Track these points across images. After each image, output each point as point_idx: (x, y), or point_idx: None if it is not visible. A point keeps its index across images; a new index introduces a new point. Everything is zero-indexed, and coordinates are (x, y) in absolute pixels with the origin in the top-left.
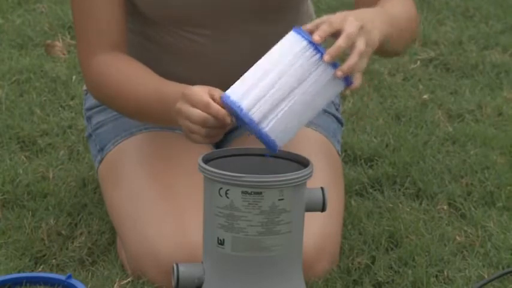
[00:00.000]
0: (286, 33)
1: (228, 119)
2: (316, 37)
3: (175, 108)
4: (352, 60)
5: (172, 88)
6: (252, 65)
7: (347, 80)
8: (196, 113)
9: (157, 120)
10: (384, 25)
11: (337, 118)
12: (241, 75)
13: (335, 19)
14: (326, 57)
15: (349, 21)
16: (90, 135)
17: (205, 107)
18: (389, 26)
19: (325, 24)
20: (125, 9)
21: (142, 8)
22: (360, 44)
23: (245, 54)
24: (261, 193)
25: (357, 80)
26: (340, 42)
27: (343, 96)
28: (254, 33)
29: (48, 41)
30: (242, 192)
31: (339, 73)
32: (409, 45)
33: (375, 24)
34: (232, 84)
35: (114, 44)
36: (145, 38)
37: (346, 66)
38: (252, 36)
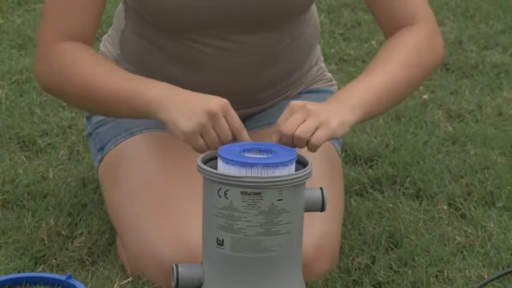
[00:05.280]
0: (289, 38)
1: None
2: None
3: (201, 109)
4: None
5: (154, 92)
6: (254, 73)
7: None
8: (228, 132)
9: (122, 114)
10: (357, 111)
11: None
12: (242, 82)
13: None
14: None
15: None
16: (90, 134)
17: (238, 132)
18: (370, 102)
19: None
20: (102, 9)
21: (147, 16)
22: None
23: (248, 61)
24: (260, 193)
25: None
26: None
27: None
28: (257, 41)
29: None
30: (241, 192)
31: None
32: (429, 75)
33: (335, 116)
34: (232, 90)
35: (84, 39)
36: (147, 40)
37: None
38: (255, 44)
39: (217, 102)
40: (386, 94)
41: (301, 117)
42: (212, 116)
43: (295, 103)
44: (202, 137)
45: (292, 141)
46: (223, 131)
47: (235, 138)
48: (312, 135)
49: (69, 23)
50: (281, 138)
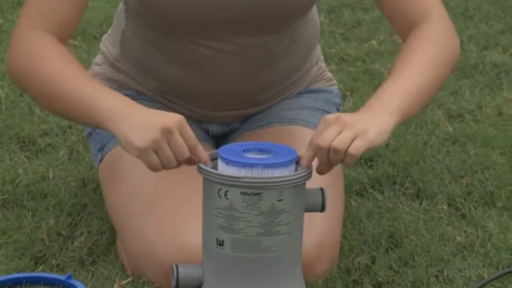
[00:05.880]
0: (289, 40)
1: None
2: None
3: (156, 123)
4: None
5: (110, 101)
6: (254, 74)
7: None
8: (185, 149)
9: (77, 119)
10: (394, 115)
11: None
12: (242, 83)
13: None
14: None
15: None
16: (90, 134)
17: (194, 148)
18: (405, 104)
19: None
20: (83, 8)
21: (147, 16)
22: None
23: (248, 63)
24: (260, 194)
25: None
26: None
27: (343, 96)
28: (257, 43)
29: None
30: (241, 193)
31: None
32: (451, 69)
33: (372, 125)
34: (232, 92)
35: (60, 34)
36: (148, 41)
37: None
38: (255, 45)
39: (172, 119)
40: (418, 94)
41: (336, 129)
42: (167, 132)
43: (329, 116)
44: (157, 154)
45: (328, 155)
46: (178, 148)
47: (191, 156)
48: (349, 146)
49: (48, 16)
50: (316, 153)
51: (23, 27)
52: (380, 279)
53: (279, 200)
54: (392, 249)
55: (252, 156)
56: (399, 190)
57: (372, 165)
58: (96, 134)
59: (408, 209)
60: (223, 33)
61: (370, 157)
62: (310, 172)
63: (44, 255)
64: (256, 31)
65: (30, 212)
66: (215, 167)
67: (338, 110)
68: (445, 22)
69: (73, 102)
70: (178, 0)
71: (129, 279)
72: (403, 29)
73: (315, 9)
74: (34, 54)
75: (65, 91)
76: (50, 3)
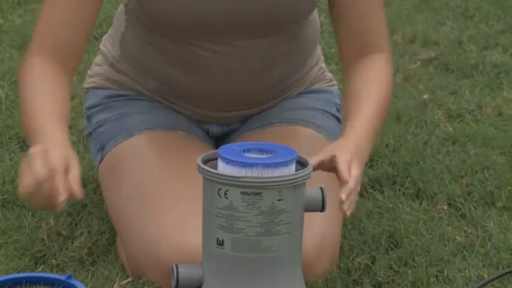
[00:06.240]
0: (290, 42)
1: (60, 205)
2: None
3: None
4: (353, 196)
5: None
6: (254, 76)
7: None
8: (40, 167)
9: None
10: (370, 143)
11: (338, 119)
12: (242, 84)
13: (342, 163)
14: (342, 195)
15: (354, 165)
16: (90, 134)
17: (51, 174)
18: (374, 137)
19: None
20: (87, 31)
21: (145, 19)
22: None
23: (248, 64)
24: (260, 193)
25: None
26: (351, 184)
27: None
28: (258, 46)
29: None
30: (241, 192)
31: (344, 208)
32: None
33: (365, 153)
34: (233, 92)
35: (65, 58)
36: (148, 43)
37: (349, 201)
38: (256, 47)
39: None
40: (376, 132)
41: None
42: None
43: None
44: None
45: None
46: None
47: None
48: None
49: (52, 43)
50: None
51: (30, 53)
52: (380, 279)
53: (279, 200)
54: (392, 249)
55: (252, 156)
56: (399, 190)
57: (372, 165)
58: (97, 134)
59: (408, 209)
60: (222, 37)
61: (370, 157)
62: (310, 172)
63: (44, 255)
64: (256, 34)
65: (30, 212)
66: (215, 167)
67: (338, 111)
68: (389, 53)
69: (28, 131)
70: (175, 4)
71: (129, 279)
72: (354, 56)
73: (315, 9)
74: (26, 80)
75: (32, 120)
76: (54, 28)
